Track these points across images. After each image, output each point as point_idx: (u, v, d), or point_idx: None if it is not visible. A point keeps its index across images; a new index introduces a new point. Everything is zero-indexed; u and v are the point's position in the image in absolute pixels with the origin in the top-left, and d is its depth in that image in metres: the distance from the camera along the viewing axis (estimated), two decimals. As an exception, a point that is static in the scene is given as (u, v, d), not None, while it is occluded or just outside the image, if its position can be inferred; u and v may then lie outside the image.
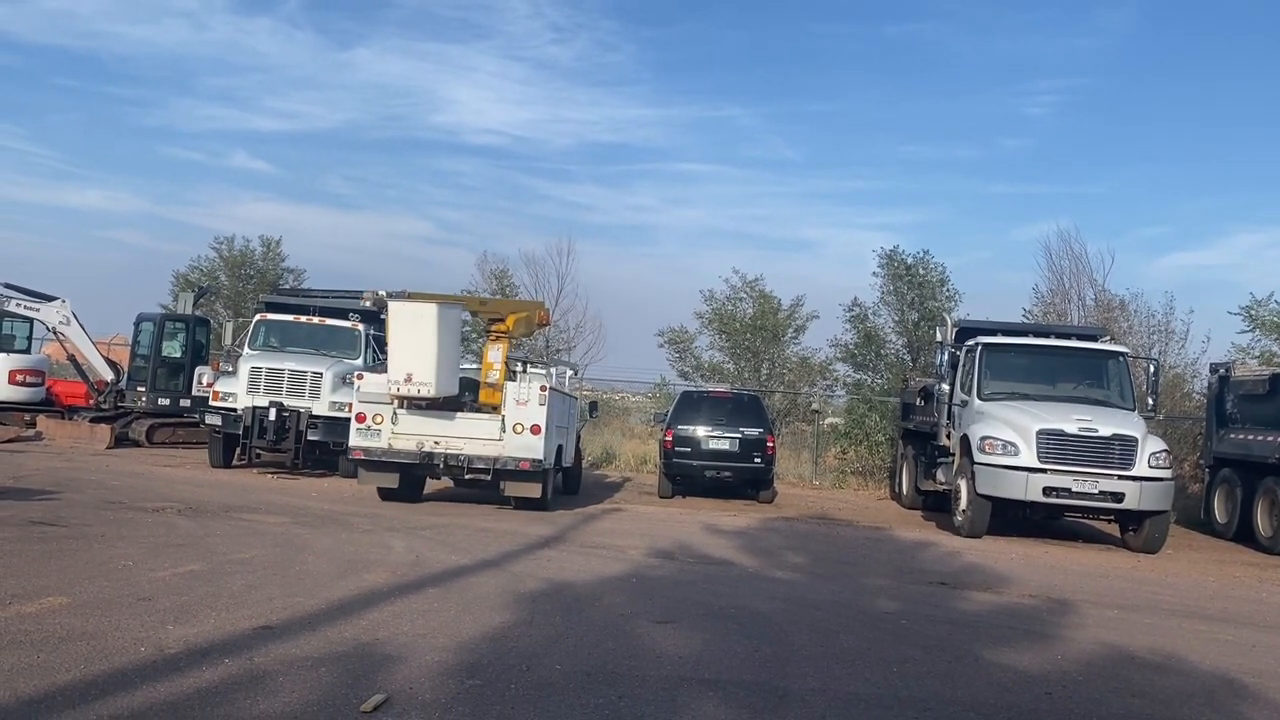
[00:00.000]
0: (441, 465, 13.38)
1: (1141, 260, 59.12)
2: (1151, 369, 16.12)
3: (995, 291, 60.40)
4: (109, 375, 22.09)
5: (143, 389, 21.15)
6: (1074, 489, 14.13)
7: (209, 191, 70.95)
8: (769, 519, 15.82)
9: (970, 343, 16.34)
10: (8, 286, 21.07)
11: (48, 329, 22.21)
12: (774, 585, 9.59)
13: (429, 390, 12.96)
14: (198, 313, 23.12)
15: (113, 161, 74.32)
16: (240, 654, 5.55)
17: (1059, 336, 17.32)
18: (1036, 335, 17.48)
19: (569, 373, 19.74)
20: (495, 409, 13.56)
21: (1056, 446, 14.20)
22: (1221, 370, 18.60)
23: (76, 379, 23.03)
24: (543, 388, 13.56)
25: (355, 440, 13.55)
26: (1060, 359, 16.51)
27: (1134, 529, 14.82)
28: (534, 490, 13.67)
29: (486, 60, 78.73)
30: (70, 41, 72.12)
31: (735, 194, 72.68)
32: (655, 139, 76.47)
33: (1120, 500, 14.14)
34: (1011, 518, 15.17)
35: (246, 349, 18.71)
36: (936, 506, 17.75)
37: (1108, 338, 18.73)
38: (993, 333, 16.76)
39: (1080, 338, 17.40)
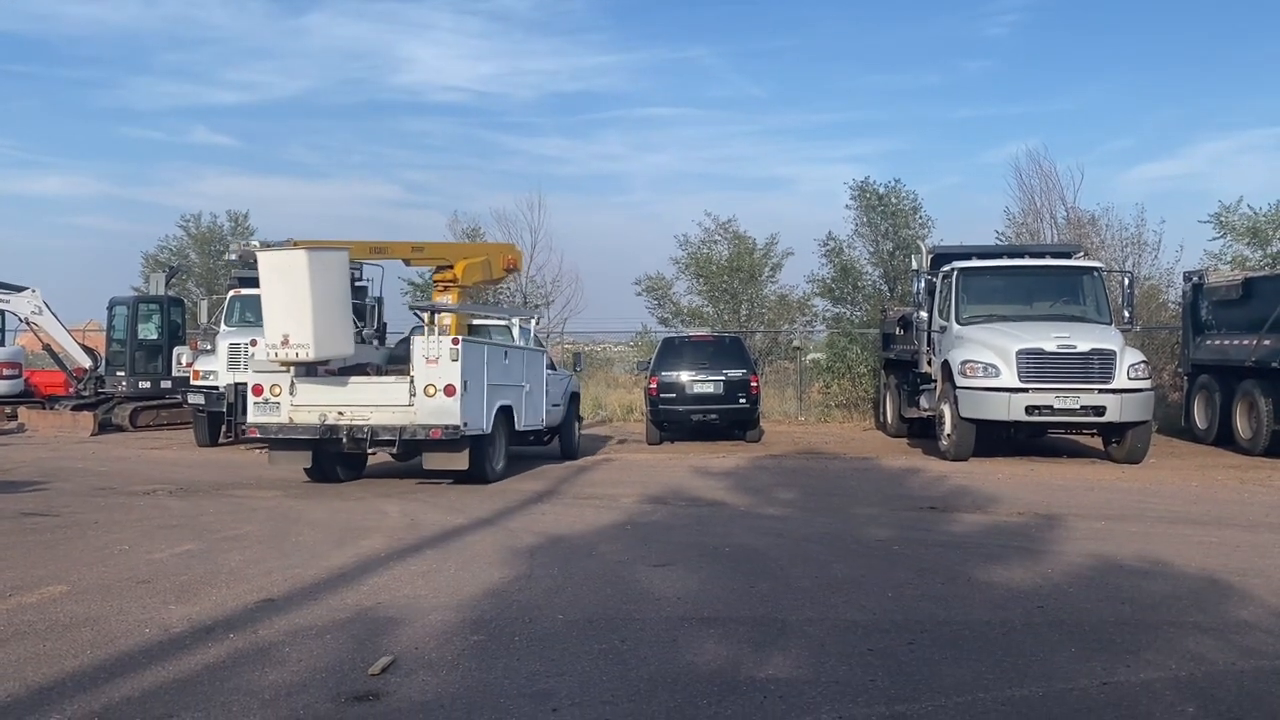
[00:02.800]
0: (345, 439, 11.60)
1: (1111, 174, 59.35)
2: (1126, 282, 16.22)
3: (968, 216, 60.38)
4: (86, 362, 21.95)
5: (122, 373, 21.04)
6: (1056, 406, 14.32)
7: (172, 170, 70.00)
8: (757, 458, 15.96)
9: (946, 269, 16.43)
10: (-24, 279, 20.86)
11: (20, 320, 22.04)
12: (766, 522, 9.71)
13: (307, 354, 11.27)
14: (170, 293, 22.92)
15: (72, 146, 73.07)
16: (244, 628, 5.60)
17: (1033, 256, 17.40)
18: (1010, 256, 17.55)
19: (533, 322, 17.16)
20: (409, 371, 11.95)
21: (1036, 365, 14.35)
22: (1195, 278, 18.77)
23: (54, 368, 22.85)
24: (455, 341, 11.63)
25: (252, 416, 11.88)
26: (1035, 278, 16.61)
27: (1117, 441, 15.04)
28: (458, 461, 11.76)
29: (442, 16, 77.45)
30: (19, 26, 70.45)
31: (703, 135, 72.23)
32: (619, 85, 75.79)
33: (1102, 414, 14.33)
34: (996, 439, 15.37)
35: (223, 325, 18.60)
36: (921, 433, 17.94)
37: (1081, 254, 18.83)
38: (967, 257, 16.82)
39: (1054, 256, 17.49)
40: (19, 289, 21.30)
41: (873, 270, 27.56)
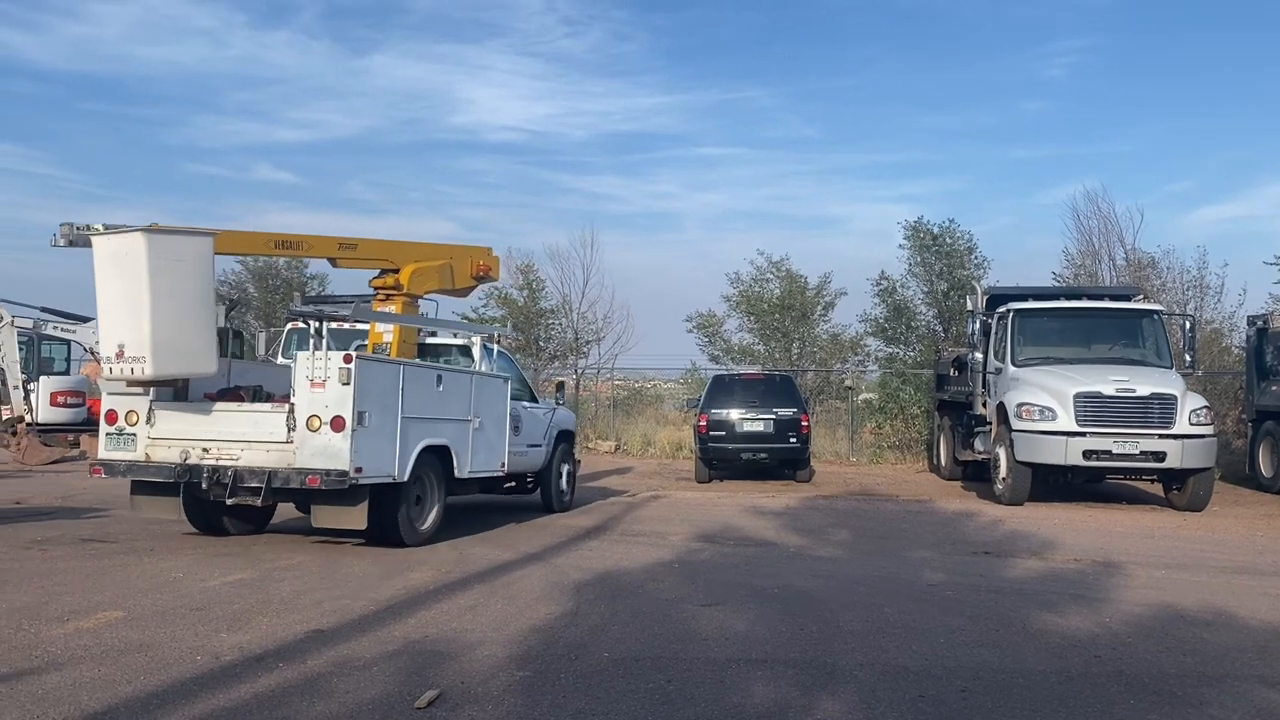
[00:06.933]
0: (205, 482, 8.99)
1: (1171, 216, 58.34)
2: (1187, 325, 15.95)
3: (1024, 257, 59.71)
4: (148, 392, 22.37)
5: (182, 404, 21.41)
6: (1114, 451, 14.03)
7: (235, 205, 71.69)
8: (808, 498, 15.81)
9: (1002, 309, 16.25)
10: (44, 310, 21.40)
11: (85, 350, 22.54)
12: (817, 563, 9.59)
13: (145, 370, 8.72)
14: (230, 325, 23.36)
15: (139, 181, 75.11)
16: (294, 658, 5.64)
17: (1091, 298, 17.18)
18: (1068, 298, 17.35)
19: (496, 341, 13.01)
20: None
21: (1095, 409, 14.10)
22: (1260, 322, 18.38)
23: (116, 397, 23.33)
24: (347, 358, 8.87)
25: (102, 449, 9.58)
26: (1093, 321, 16.39)
27: (1178, 488, 14.69)
28: (353, 518, 9.02)
29: (501, 58, 78.83)
30: (94, 66, 73.12)
31: (757, 175, 72.48)
32: (673, 126, 76.35)
33: (1162, 460, 14.01)
34: (1053, 483, 15.09)
35: (281, 358, 18.88)
36: (976, 476, 17.67)
37: (1140, 296, 18.57)
38: (1023, 298, 16.65)
39: (1113, 298, 17.25)
40: (85, 320, 21.81)
41: (926, 310, 27.35)
